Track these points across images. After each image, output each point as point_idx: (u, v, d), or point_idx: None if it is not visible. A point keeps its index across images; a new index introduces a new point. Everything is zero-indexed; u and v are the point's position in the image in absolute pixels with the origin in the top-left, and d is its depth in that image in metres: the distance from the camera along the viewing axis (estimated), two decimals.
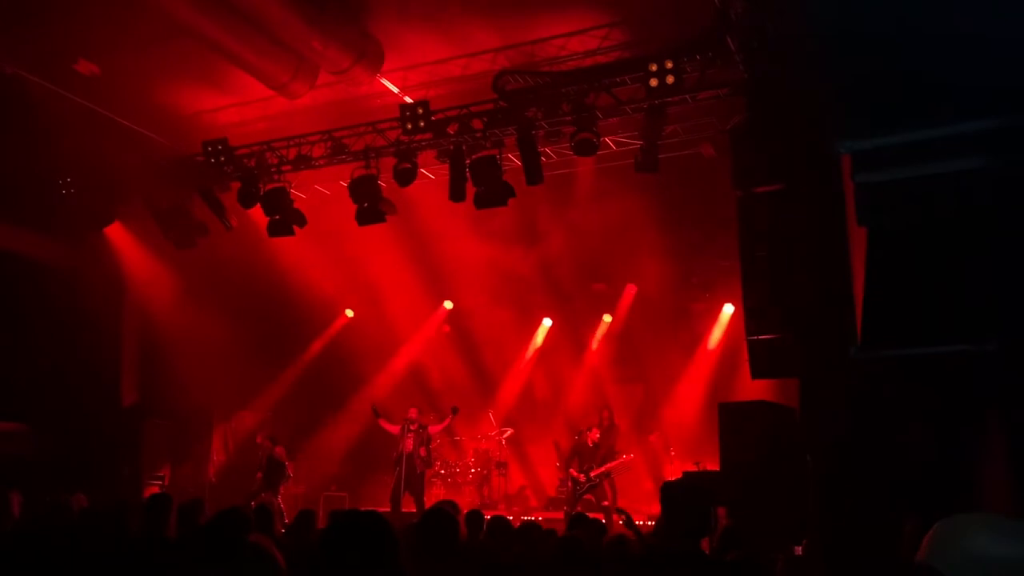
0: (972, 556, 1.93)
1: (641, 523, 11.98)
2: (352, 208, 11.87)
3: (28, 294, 12.61)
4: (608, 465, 12.78)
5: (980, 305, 5.66)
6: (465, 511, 7.28)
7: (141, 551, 4.61)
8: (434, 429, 13.50)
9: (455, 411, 13.30)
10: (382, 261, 14.94)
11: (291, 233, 12.53)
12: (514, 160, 11.25)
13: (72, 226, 13.30)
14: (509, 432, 15.30)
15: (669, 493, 3.96)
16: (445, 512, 4.26)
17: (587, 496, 12.80)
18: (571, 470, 12.91)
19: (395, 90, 11.90)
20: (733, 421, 9.01)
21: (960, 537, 1.98)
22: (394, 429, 13.28)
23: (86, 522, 6.09)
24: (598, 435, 13.03)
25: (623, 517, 7.83)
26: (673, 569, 3.69)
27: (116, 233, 13.86)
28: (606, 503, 12.57)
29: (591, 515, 10.72)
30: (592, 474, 12.69)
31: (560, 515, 12.84)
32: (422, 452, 13.07)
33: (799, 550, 7.27)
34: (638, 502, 13.49)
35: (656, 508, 8.03)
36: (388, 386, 16.46)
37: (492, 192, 11.05)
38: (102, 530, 4.94)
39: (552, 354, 16.31)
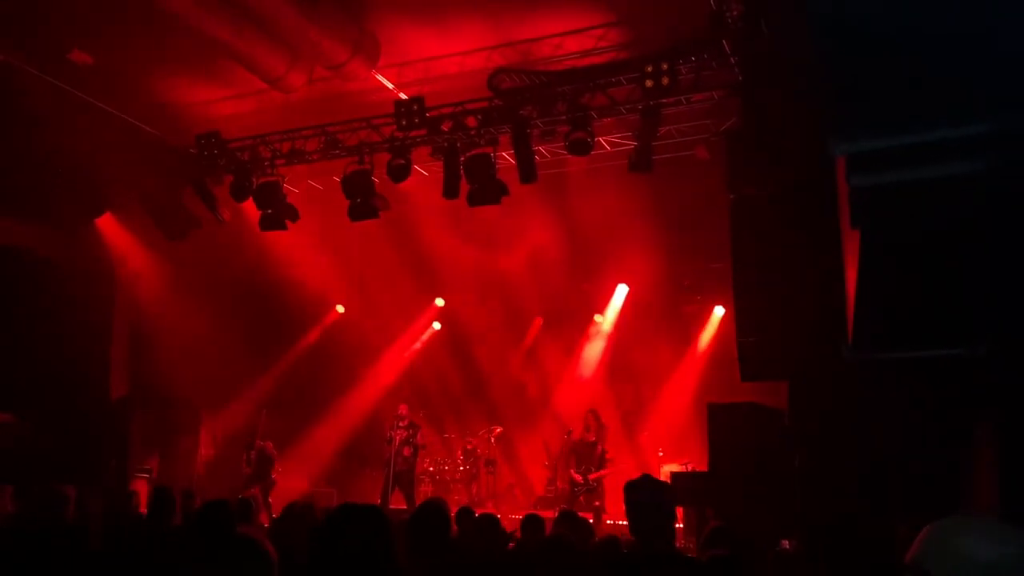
0: (960, 557, 2.00)
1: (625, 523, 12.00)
2: (345, 203, 11.85)
3: (17, 284, 12.53)
4: (604, 472, 12.89)
5: (973, 310, 5.68)
6: (454, 509, 7.27)
7: (140, 547, 4.60)
8: (424, 433, 13.51)
9: (412, 425, 13.37)
10: (374, 257, 14.91)
11: (283, 227, 12.50)
12: (508, 158, 11.26)
13: (63, 217, 13.23)
14: (498, 430, 15.29)
15: (631, 493, 4.01)
16: (436, 508, 4.26)
17: (580, 497, 12.86)
18: (571, 470, 12.95)
19: (390, 86, 11.88)
20: (722, 422, 9.06)
21: (950, 539, 2.06)
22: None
23: (82, 520, 6.09)
24: (593, 435, 13.10)
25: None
26: (653, 569, 3.71)
27: (107, 224, 13.80)
28: (598, 503, 12.61)
29: (581, 514, 10.78)
30: (591, 477, 12.77)
31: (550, 514, 12.84)
32: (406, 452, 13.03)
33: (786, 543, 7.32)
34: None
35: None
36: (377, 383, 16.45)
37: (486, 190, 11.05)
38: (102, 527, 4.92)
39: (542, 353, 16.31)
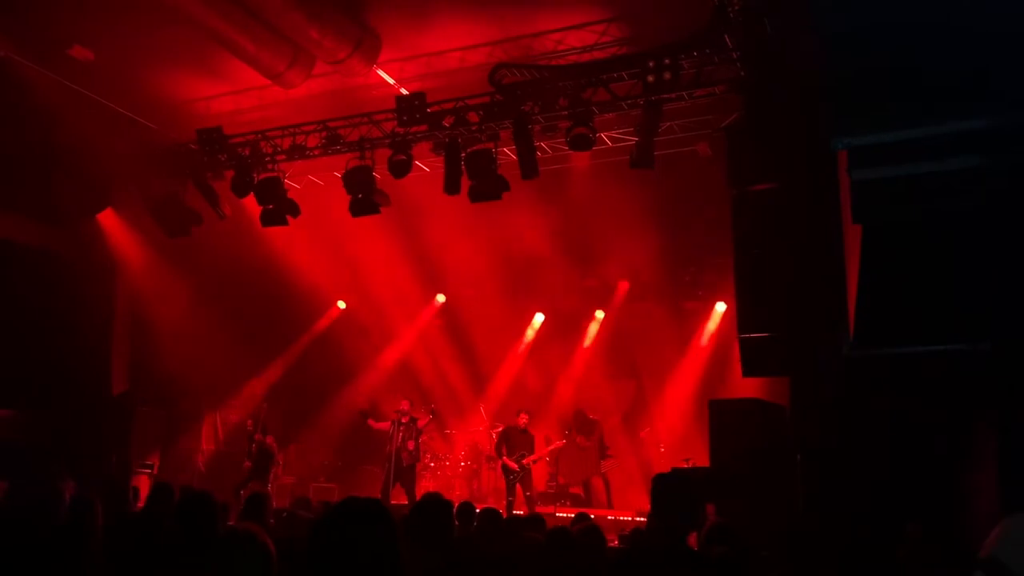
0: None
1: (628, 518, 12.02)
2: (346, 199, 11.84)
3: (19, 280, 12.53)
4: (538, 454, 13.18)
5: (974, 304, 5.68)
6: (455, 504, 7.27)
7: (137, 542, 4.59)
8: (422, 423, 13.51)
9: (433, 413, 13.36)
10: (375, 253, 14.90)
11: (284, 223, 12.48)
12: (509, 154, 11.23)
13: (64, 212, 13.23)
14: (500, 427, 15.29)
15: (660, 486, 3.99)
16: (437, 501, 4.26)
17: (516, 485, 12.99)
18: (504, 459, 12.99)
19: (391, 81, 11.86)
20: (724, 418, 9.05)
21: None
22: (384, 426, 13.26)
23: (77, 515, 6.06)
24: (526, 419, 13.15)
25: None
26: (658, 564, 3.70)
27: (108, 220, 13.80)
28: (529, 493, 12.94)
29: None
30: (524, 462, 12.86)
31: (550, 509, 12.88)
32: (410, 446, 13.05)
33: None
34: (629, 497, 13.53)
35: (646, 504, 8.06)
36: (379, 378, 16.45)
37: (487, 186, 11.04)
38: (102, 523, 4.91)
39: (544, 349, 16.30)
